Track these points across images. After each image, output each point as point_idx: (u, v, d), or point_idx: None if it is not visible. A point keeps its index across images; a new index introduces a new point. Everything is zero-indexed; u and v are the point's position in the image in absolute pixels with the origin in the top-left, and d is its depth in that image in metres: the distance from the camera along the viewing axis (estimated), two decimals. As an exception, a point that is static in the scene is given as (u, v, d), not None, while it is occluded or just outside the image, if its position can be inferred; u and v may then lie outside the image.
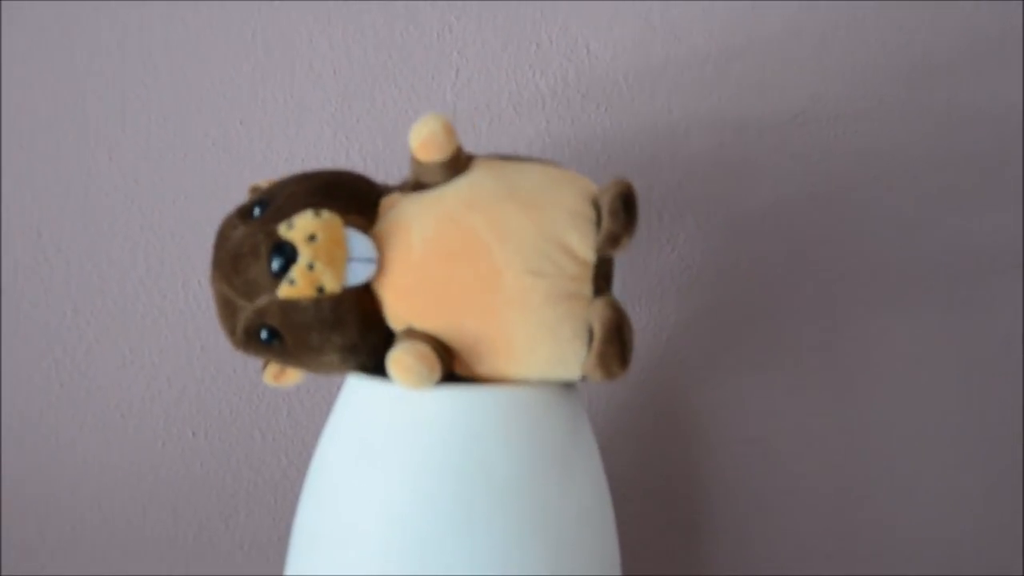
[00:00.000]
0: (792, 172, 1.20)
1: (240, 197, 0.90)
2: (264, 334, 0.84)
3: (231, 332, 0.85)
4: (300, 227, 0.80)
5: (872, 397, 1.23)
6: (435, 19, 1.16)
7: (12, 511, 1.17)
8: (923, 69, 1.20)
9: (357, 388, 0.88)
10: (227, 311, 0.85)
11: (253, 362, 0.90)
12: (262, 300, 0.82)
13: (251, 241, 0.82)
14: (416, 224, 0.83)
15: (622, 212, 0.82)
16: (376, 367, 0.87)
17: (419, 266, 0.83)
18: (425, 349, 0.81)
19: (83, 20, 1.14)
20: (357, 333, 0.84)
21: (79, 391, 1.17)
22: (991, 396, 1.23)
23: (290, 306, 0.81)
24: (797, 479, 1.22)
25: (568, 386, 0.89)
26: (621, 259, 0.89)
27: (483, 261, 0.82)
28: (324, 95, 1.16)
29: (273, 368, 0.90)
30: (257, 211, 0.84)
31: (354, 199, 0.85)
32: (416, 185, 0.86)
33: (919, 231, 1.21)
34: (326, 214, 0.81)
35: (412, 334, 0.83)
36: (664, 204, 1.19)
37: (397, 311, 0.84)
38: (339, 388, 0.92)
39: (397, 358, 0.81)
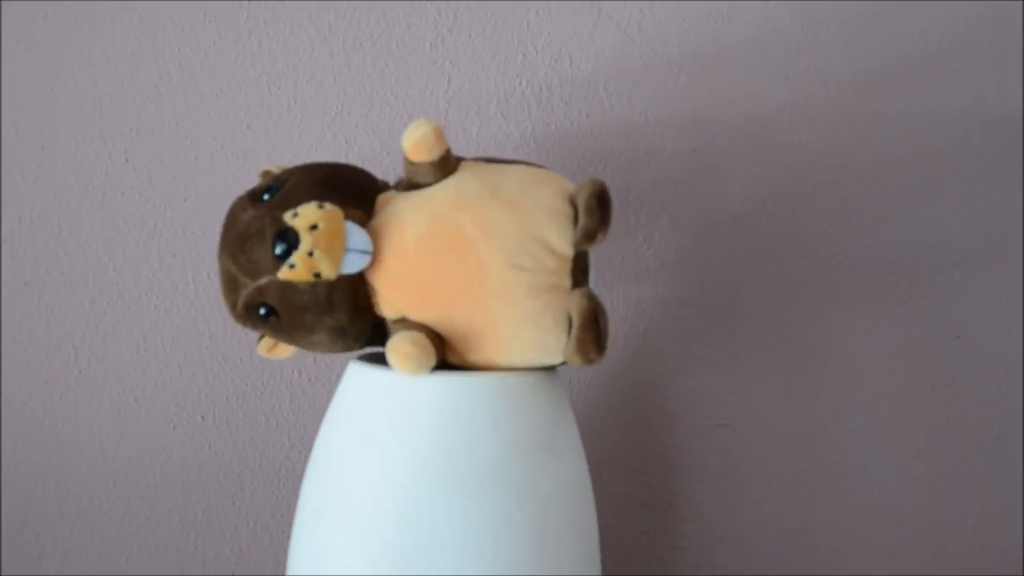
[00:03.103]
0: (761, 175, 1.20)
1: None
2: (262, 311, 0.86)
3: (232, 306, 0.87)
4: (304, 216, 0.82)
5: (832, 386, 1.23)
6: (428, 31, 1.18)
7: (33, 488, 1.18)
8: (882, 77, 1.20)
9: (357, 375, 0.90)
10: (230, 286, 0.87)
11: (257, 351, 0.92)
12: (263, 280, 0.84)
13: (258, 224, 0.84)
14: (409, 221, 0.85)
15: (597, 209, 0.83)
16: (361, 348, 0.90)
17: (412, 261, 0.84)
18: (421, 338, 0.83)
19: (101, 31, 1.16)
20: (347, 317, 0.86)
21: (96, 377, 1.18)
22: (948, 384, 1.24)
23: (288, 287, 0.83)
24: (761, 462, 1.23)
25: (551, 372, 0.90)
26: (600, 255, 0.90)
27: (470, 257, 0.84)
28: (325, 101, 1.18)
29: (267, 342, 0.91)
30: (266, 196, 0.86)
31: (355, 193, 0.87)
32: (409, 185, 0.88)
33: (879, 228, 1.22)
34: (329, 206, 0.82)
35: (406, 324, 0.86)
36: (641, 204, 1.20)
37: (391, 301, 0.86)
38: (338, 376, 0.93)
39: (396, 345, 0.83)
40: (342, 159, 1.16)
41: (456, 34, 1.19)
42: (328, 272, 0.83)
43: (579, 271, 0.87)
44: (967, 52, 1.22)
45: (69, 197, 1.18)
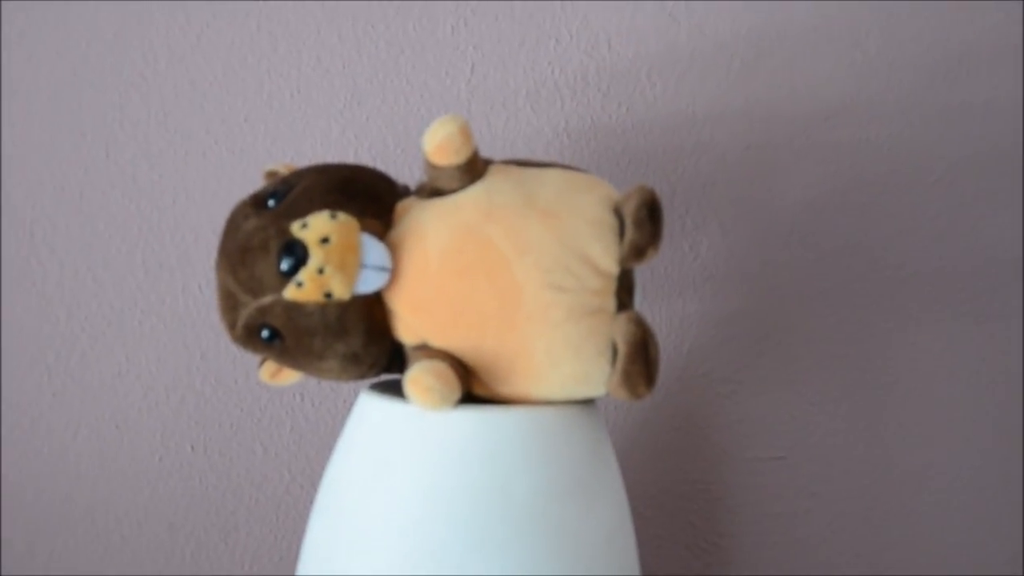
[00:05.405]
0: (821, 177, 1.19)
1: (243, 197, 0.88)
2: (265, 333, 0.83)
3: (231, 326, 0.84)
4: (314, 228, 0.78)
5: (902, 414, 1.21)
6: (449, 12, 1.16)
7: (4, 523, 1.16)
8: (962, 67, 1.19)
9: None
10: (229, 304, 0.84)
11: (255, 373, 0.91)
12: (266, 298, 0.80)
13: (262, 236, 0.80)
14: (432, 234, 0.82)
15: (647, 222, 0.80)
16: (376, 376, 0.88)
17: (435, 280, 0.81)
18: (444, 368, 0.80)
19: (80, 10, 1.14)
20: (361, 343, 0.83)
21: (72, 400, 1.16)
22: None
23: (295, 308, 0.80)
24: (821, 499, 1.21)
25: (588, 403, 0.87)
26: (640, 267, 0.86)
27: (502, 275, 0.80)
28: (332, 91, 1.16)
29: (270, 366, 0.89)
30: (272, 202, 0.82)
31: (372, 201, 0.84)
32: (432, 190, 0.84)
33: (955, 236, 1.20)
34: (342, 216, 0.79)
35: (427, 351, 0.82)
36: (687, 209, 1.18)
37: (411, 326, 0.82)
38: (345, 402, 0.92)
39: (415, 378, 0.79)
40: (351, 156, 1.16)
41: (480, 15, 1.16)
42: (341, 292, 0.79)
43: (624, 291, 0.83)
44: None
45: (42, 197, 1.16)
